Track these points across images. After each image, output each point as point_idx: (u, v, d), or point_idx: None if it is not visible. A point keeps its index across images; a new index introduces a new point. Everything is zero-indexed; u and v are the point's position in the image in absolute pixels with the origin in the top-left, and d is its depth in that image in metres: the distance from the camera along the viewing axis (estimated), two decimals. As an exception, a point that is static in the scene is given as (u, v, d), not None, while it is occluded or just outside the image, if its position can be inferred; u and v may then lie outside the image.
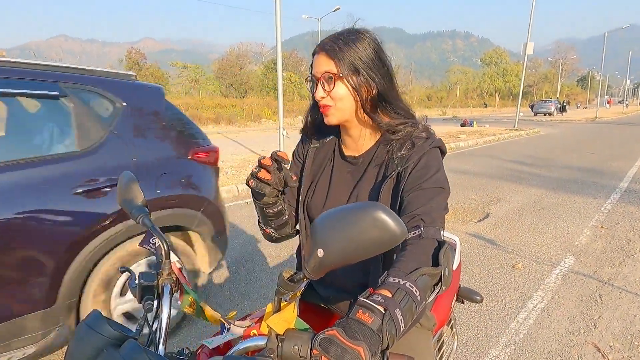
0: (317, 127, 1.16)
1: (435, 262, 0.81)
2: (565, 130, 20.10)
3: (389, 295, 0.70)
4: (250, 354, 0.79)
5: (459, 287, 1.67)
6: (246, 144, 13.05)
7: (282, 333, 0.69)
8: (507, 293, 3.05)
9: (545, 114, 36.21)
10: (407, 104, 1.06)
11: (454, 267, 1.61)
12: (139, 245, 0.97)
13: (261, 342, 0.72)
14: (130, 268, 0.96)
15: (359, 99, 0.99)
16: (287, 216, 1.14)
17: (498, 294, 3.05)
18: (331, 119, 1.02)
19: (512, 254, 3.80)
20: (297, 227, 1.22)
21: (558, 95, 65.93)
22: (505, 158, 10.11)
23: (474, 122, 21.59)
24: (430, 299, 0.80)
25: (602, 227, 4.57)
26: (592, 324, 2.63)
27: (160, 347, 0.82)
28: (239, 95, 42.37)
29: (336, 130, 1.14)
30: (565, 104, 39.76)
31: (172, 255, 0.95)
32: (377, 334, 0.64)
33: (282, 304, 0.71)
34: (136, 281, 0.89)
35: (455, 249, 1.68)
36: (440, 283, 0.80)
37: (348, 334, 0.63)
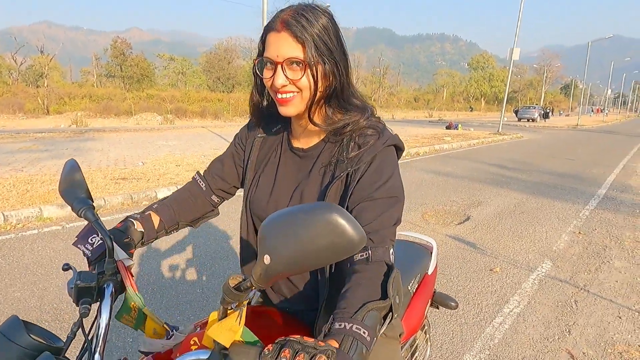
0: (265, 114, 1.04)
1: (384, 293, 0.75)
2: (547, 136, 20.42)
3: (336, 346, 0.63)
4: None
5: (434, 292, 1.62)
6: (230, 139, 12.87)
7: (227, 345, 0.61)
8: (484, 297, 3.03)
9: (528, 120, 36.78)
10: (361, 95, 0.96)
11: (430, 271, 1.55)
12: (72, 244, 0.87)
13: (203, 357, 0.64)
14: (74, 266, 0.86)
15: (321, 91, 0.88)
16: (161, 230, 1.06)
17: (475, 297, 3.02)
18: (290, 109, 0.89)
19: (490, 258, 3.79)
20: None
21: (542, 102, 67.07)
22: (488, 162, 10.19)
23: (459, 125, 21.78)
24: (382, 331, 0.74)
25: (579, 233, 4.61)
26: (567, 330, 2.62)
27: (97, 356, 0.74)
28: (226, 90, 41.91)
29: (285, 119, 1.03)
30: (548, 110, 40.46)
31: (120, 252, 0.86)
32: None
33: (229, 312, 0.64)
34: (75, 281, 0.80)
35: (431, 253, 1.63)
36: (390, 313, 0.75)
37: None
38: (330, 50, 0.85)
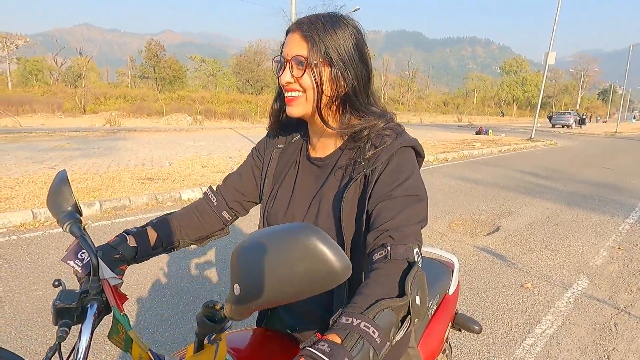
0: (283, 123, 1.01)
1: (402, 291, 0.66)
2: (583, 143, 19.60)
3: (338, 341, 0.56)
4: None
5: (456, 313, 1.49)
6: (256, 141, 12.94)
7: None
8: (514, 315, 2.85)
9: (563, 126, 35.54)
10: (383, 105, 0.93)
11: (450, 291, 1.43)
12: (62, 259, 0.81)
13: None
14: (64, 282, 0.80)
15: (328, 94, 0.85)
16: (171, 245, 1.03)
17: (504, 315, 2.84)
18: (295, 110, 0.88)
19: (521, 272, 3.58)
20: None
21: (577, 108, 64.76)
22: (520, 169, 9.82)
23: (490, 131, 21.23)
24: (398, 337, 0.65)
25: (619, 248, 4.32)
26: (606, 356, 2.41)
27: (74, 386, 0.66)
28: (254, 92, 42.46)
29: (304, 129, 1.00)
30: (584, 117, 38.98)
31: (106, 270, 0.79)
32: None
33: (205, 344, 0.55)
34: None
35: (453, 271, 1.50)
36: (409, 316, 0.66)
37: None
38: (341, 56, 0.83)
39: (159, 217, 1.05)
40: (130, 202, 5.13)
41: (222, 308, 0.54)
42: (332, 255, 0.43)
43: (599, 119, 66.93)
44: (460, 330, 1.55)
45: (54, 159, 8.03)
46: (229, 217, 1.08)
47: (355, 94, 0.87)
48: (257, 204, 1.11)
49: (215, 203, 1.07)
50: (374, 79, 0.91)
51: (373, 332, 0.59)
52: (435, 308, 1.32)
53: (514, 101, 76.01)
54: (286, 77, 0.85)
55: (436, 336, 1.28)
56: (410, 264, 0.71)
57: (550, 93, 77.60)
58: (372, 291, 0.66)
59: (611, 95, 66.87)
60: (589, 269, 3.73)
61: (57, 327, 0.70)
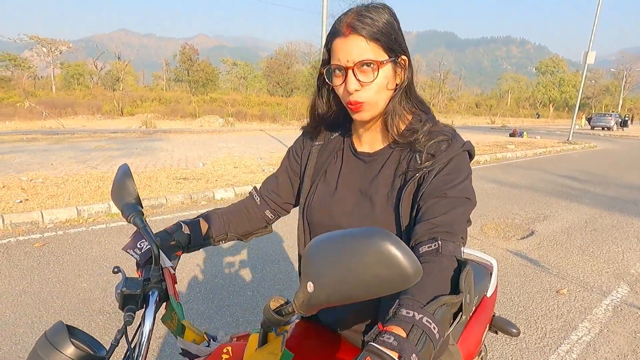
0: (324, 122, 1.02)
1: (455, 289, 0.68)
2: (625, 146, 18.73)
3: (403, 335, 0.57)
4: None
5: (493, 316, 1.49)
6: (286, 142, 13.09)
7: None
8: (549, 321, 2.79)
9: (603, 128, 34.07)
10: (422, 97, 0.94)
11: (489, 293, 1.44)
12: (122, 249, 0.89)
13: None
14: (123, 270, 0.88)
15: (393, 87, 0.86)
16: (220, 238, 1.09)
17: (538, 321, 2.79)
18: (365, 114, 0.87)
19: (557, 278, 3.49)
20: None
21: (619, 109, 61.93)
22: (556, 172, 9.51)
23: (524, 133, 20.62)
24: (449, 331, 0.67)
25: (663, 255, 4.14)
26: (646, 366, 2.34)
27: (138, 364, 0.73)
28: (284, 94, 42.91)
29: (345, 124, 1.00)
30: (627, 118, 37.22)
31: (165, 259, 0.86)
32: None
33: (270, 335, 0.60)
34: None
35: (491, 274, 1.50)
36: (460, 313, 0.68)
37: None
38: (399, 44, 0.84)
39: (209, 210, 1.12)
40: (166, 200, 5.32)
41: (287, 303, 0.58)
42: (405, 260, 0.45)
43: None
44: (496, 333, 1.55)
45: (95, 159, 8.41)
46: (271, 216, 1.13)
47: (411, 82, 0.89)
48: (293, 205, 1.14)
49: (258, 202, 1.12)
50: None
51: (434, 327, 0.60)
52: (473, 309, 1.33)
53: (550, 102, 73.41)
54: (352, 85, 0.82)
55: (474, 338, 1.29)
56: (460, 262, 0.73)
57: (590, 94, 74.55)
58: (427, 284, 0.67)
59: (656, 96, 63.57)
60: (629, 276, 3.60)
61: (123, 312, 0.77)
